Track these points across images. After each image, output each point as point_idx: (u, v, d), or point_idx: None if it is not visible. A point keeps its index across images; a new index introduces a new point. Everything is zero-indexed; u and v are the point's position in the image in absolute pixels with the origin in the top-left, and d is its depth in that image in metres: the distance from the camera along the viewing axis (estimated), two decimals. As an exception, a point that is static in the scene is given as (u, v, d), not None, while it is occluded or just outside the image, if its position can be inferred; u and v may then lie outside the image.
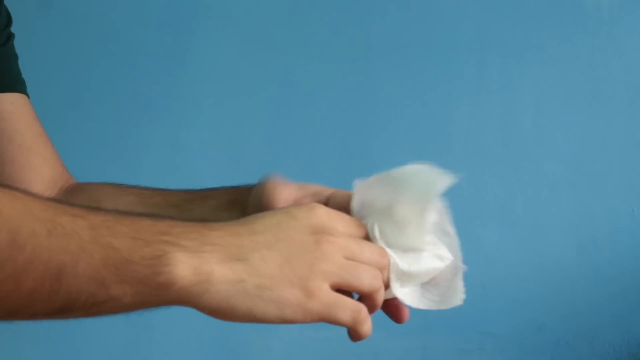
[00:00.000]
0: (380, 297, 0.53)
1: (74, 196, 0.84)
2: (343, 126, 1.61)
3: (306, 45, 1.62)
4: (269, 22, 1.63)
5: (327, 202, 0.61)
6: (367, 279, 0.51)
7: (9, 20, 0.89)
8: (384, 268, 0.53)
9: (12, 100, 0.86)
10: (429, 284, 0.57)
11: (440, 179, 0.53)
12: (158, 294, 0.47)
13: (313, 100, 1.61)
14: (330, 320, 0.50)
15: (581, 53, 1.59)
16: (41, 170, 0.85)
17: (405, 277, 0.54)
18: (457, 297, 0.57)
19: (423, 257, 0.55)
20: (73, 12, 1.62)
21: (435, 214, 0.56)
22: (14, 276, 0.45)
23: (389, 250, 0.54)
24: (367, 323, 0.52)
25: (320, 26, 1.62)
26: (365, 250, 0.52)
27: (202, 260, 0.48)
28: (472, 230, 1.52)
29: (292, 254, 0.49)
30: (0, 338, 1.55)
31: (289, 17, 1.63)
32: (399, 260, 0.54)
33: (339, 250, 0.51)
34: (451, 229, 0.58)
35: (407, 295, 0.56)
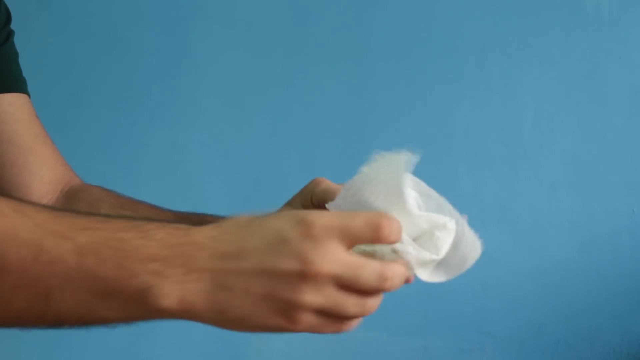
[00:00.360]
0: (368, 313, 0.51)
1: (73, 202, 0.83)
2: (343, 126, 1.60)
3: (306, 45, 1.62)
4: (269, 22, 1.63)
5: None
6: (353, 310, 0.49)
7: (8, 18, 0.89)
8: (385, 289, 0.50)
9: (11, 101, 0.85)
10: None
11: (404, 159, 0.52)
12: (147, 317, 0.48)
13: (313, 99, 1.61)
14: (315, 333, 0.50)
15: (581, 53, 1.59)
16: (40, 172, 0.85)
17: (430, 262, 0.54)
18: (476, 248, 0.56)
19: (435, 237, 0.54)
20: (73, 11, 1.62)
21: (412, 189, 0.54)
22: (3, 298, 0.46)
23: (404, 246, 0.52)
24: (349, 329, 0.51)
25: (320, 26, 1.62)
26: (361, 278, 0.49)
27: (186, 291, 0.47)
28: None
29: (277, 287, 0.47)
30: (0, 338, 1.55)
31: (289, 17, 1.63)
32: (419, 251, 0.52)
33: (328, 282, 0.48)
34: (432, 191, 0.56)
35: (434, 275, 0.55)
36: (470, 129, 1.60)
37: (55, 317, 0.47)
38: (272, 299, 0.48)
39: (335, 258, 0.48)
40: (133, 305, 0.47)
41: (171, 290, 0.47)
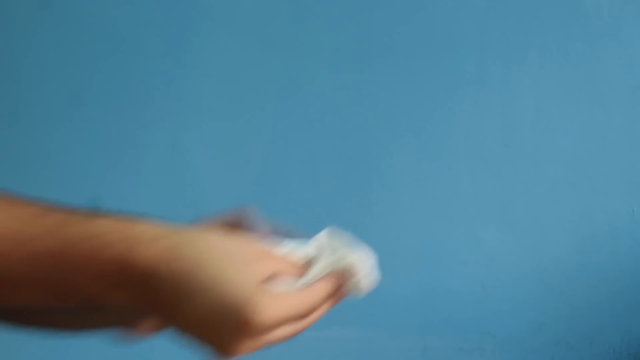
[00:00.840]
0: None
1: None
2: (343, 127, 1.60)
3: (306, 46, 1.62)
4: (270, 23, 1.63)
5: None
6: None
7: None
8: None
9: None
10: None
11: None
12: None
13: (313, 100, 1.61)
14: None
15: (581, 53, 1.59)
16: None
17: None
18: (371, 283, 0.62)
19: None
20: (73, 12, 1.62)
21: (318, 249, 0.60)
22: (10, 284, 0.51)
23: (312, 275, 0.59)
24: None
25: (320, 27, 1.62)
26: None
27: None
28: (472, 230, 1.52)
29: (210, 338, 0.54)
30: (0, 338, 1.55)
31: (290, 18, 1.63)
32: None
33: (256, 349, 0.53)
34: (343, 245, 0.60)
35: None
36: (470, 129, 1.60)
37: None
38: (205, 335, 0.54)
39: (253, 349, 0.54)
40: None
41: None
